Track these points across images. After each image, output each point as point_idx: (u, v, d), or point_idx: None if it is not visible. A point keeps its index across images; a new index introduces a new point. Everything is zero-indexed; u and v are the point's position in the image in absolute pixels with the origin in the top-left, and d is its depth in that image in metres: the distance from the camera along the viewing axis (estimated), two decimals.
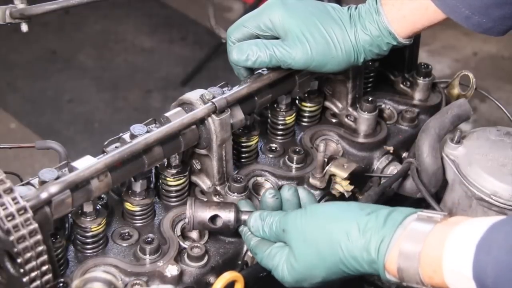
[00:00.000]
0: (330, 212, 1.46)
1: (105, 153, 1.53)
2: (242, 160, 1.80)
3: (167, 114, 1.60)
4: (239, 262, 1.64)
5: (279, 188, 1.74)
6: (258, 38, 1.71)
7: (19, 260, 1.30)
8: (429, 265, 1.31)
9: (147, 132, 1.54)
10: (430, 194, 1.78)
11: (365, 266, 1.38)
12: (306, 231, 1.45)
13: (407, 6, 1.67)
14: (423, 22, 1.68)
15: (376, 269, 1.37)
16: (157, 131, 1.53)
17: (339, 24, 1.67)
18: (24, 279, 1.32)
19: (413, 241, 1.33)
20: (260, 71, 1.74)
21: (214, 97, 1.61)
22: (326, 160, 1.75)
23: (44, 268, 1.34)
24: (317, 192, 1.76)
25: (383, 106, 2.02)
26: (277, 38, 1.69)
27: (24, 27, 1.74)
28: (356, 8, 1.71)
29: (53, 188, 1.36)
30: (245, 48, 1.67)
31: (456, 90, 2.06)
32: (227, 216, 1.55)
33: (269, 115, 1.89)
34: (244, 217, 1.56)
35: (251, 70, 1.74)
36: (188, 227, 1.57)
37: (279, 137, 1.89)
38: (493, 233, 1.26)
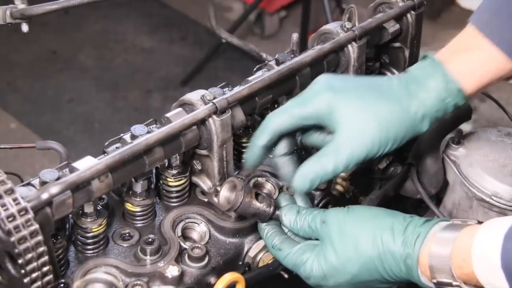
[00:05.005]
0: (375, 211, 1.51)
1: (105, 154, 1.53)
2: (243, 161, 1.80)
3: (167, 115, 1.59)
4: (240, 263, 1.64)
5: (280, 188, 1.74)
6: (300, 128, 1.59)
7: (20, 261, 1.30)
8: (459, 255, 1.35)
9: (148, 132, 1.54)
10: (431, 195, 1.78)
11: (401, 265, 1.42)
12: (347, 225, 1.48)
13: (470, 60, 1.54)
14: (491, 76, 1.56)
15: (411, 266, 1.41)
16: (158, 132, 1.52)
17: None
18: (25, 280, 1.32)
19: (445, 239, 1.38)
20: (260, 71, 1.74)
21: (215, 98, 1.61)
22: None
23: (45, 269, 1.34)
24: (317, 193, 1.75)
25: None
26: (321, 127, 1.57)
27: (25, 27, 1.74)
28: (409, 76, 1.55)
29: (54, 189, 1.35)
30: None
31: None
32: (267, 208, 1.56)
33: None
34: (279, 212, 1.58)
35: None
36: (230, 207, 1.55)
37: None
38: None
